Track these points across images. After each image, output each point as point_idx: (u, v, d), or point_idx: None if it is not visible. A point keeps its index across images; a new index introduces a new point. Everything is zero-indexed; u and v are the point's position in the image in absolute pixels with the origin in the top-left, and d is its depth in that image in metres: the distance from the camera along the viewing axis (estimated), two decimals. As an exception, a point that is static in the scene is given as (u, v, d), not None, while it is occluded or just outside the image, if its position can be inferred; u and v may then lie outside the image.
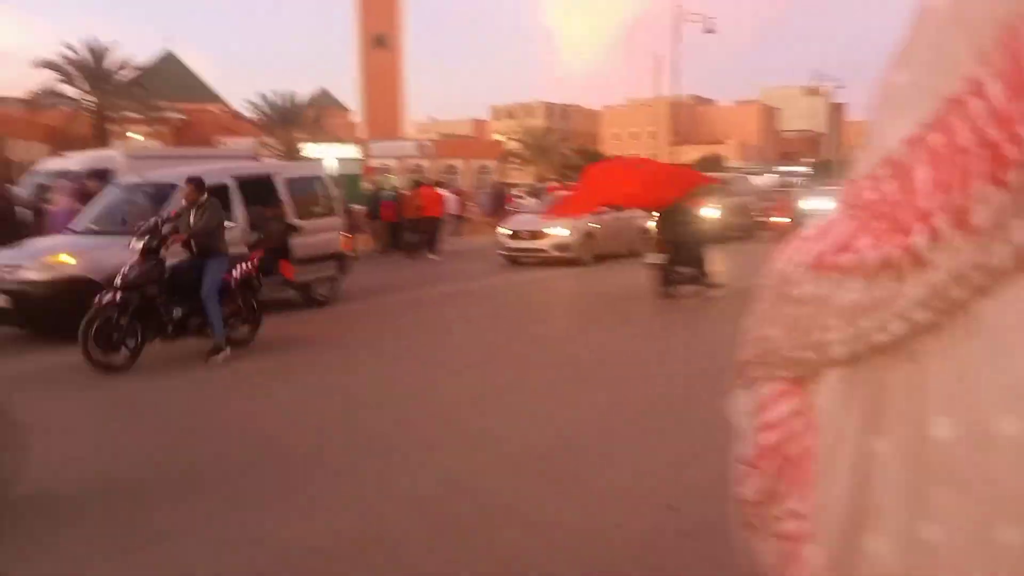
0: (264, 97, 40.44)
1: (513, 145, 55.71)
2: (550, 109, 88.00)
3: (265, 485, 4.47)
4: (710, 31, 39.62)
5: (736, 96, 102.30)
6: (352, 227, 13.77)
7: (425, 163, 54.14)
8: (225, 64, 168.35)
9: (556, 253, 15.57)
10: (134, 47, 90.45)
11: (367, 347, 8.67)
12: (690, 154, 74.19)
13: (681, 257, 10.98)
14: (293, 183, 10.41)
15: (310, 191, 10.92)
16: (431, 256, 18.16)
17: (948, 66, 0.64)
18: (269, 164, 13.67)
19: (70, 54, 29.69)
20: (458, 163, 56.95)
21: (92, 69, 29.80)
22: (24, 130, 35.84)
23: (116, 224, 9.18)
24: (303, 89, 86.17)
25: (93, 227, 9.51)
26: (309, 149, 46.75)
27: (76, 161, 14.71)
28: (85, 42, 30.27)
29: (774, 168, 70.66)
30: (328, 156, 49.78)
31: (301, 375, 7.28)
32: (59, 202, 11.46)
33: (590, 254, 15.78)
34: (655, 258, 11.23)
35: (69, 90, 30.58)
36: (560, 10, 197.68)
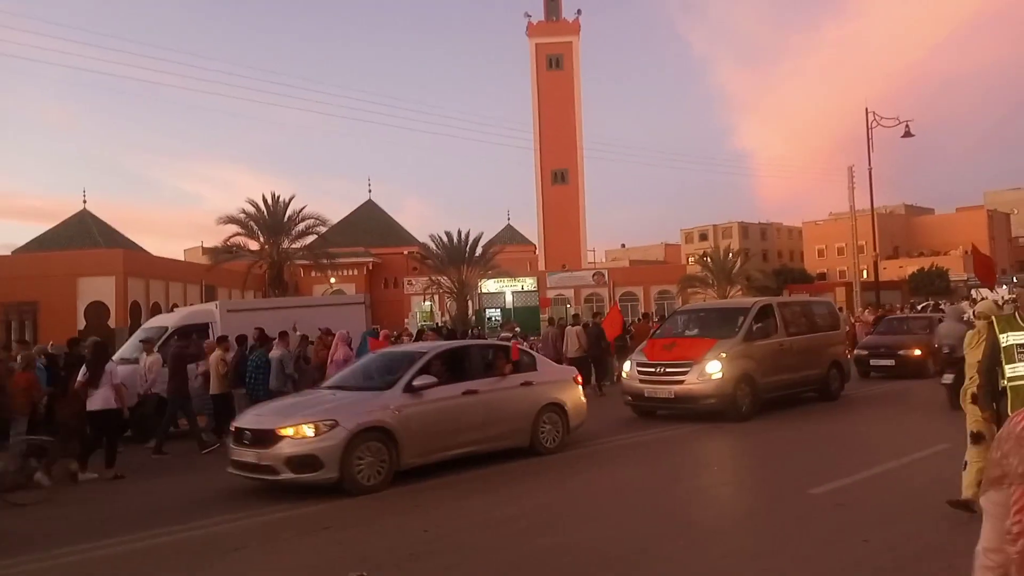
0: (438, 237, 41.94)
1: (694, 268, 53.24)
2: (746, 229, 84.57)
3: None
4: (908, 135, 35.98)
5: (957, 203, 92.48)
6: None
7: (601, 291, 53.28)
8: (428, 206, 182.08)
9: (293, 474, 7.88)
10: (345, 196, 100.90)
11: None
12: (907, 268, 67.08)
13: None
14: None
15: None
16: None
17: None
18: None
19: (250, 209, 32.49)
20: (637, 290, 55.37)
21: (270, 223, 32.30)
22: (229, 279, 39.82)
23: None
24: (492, 226, 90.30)
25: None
26: (486, 285, 47.82)
27: (176, 316, 15.07)
28: (263, 197, 33.14)
29: (1011, 279, 61.70)
30: (505, 290, 50.90)
31: None
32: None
33: (378, 476, 8.18)
34: None
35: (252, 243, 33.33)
36: (754, 132, 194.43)
